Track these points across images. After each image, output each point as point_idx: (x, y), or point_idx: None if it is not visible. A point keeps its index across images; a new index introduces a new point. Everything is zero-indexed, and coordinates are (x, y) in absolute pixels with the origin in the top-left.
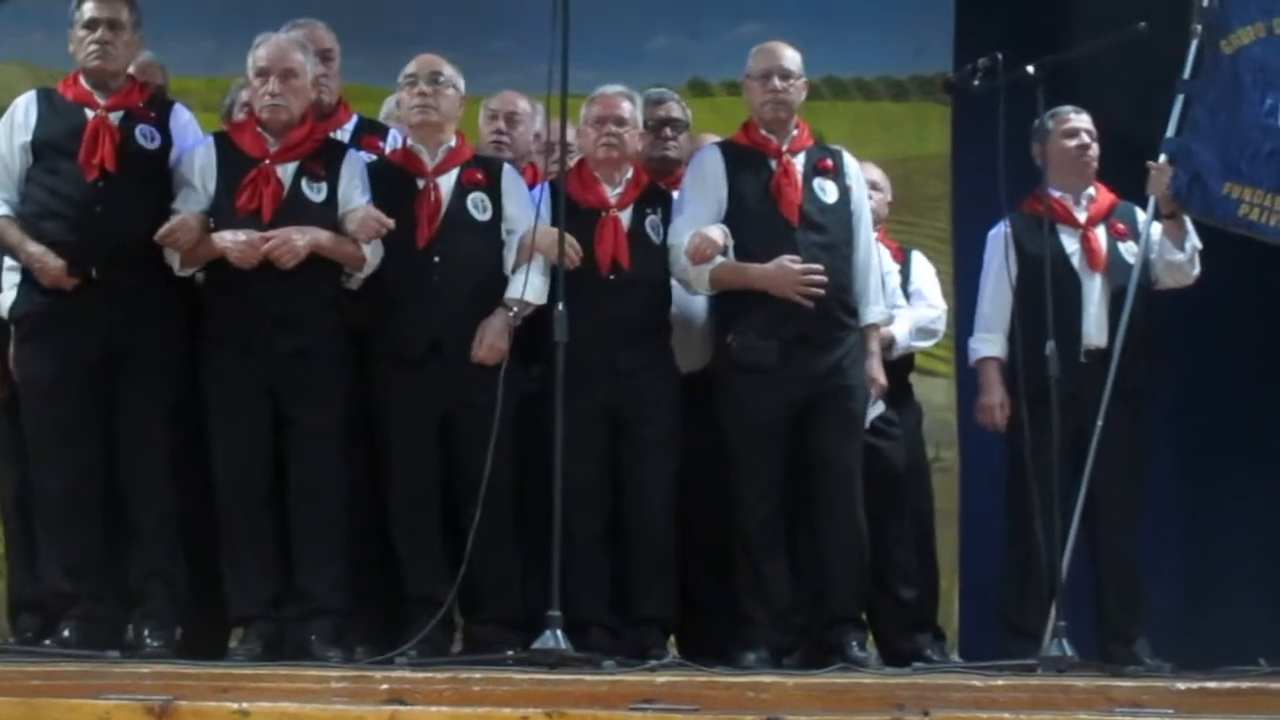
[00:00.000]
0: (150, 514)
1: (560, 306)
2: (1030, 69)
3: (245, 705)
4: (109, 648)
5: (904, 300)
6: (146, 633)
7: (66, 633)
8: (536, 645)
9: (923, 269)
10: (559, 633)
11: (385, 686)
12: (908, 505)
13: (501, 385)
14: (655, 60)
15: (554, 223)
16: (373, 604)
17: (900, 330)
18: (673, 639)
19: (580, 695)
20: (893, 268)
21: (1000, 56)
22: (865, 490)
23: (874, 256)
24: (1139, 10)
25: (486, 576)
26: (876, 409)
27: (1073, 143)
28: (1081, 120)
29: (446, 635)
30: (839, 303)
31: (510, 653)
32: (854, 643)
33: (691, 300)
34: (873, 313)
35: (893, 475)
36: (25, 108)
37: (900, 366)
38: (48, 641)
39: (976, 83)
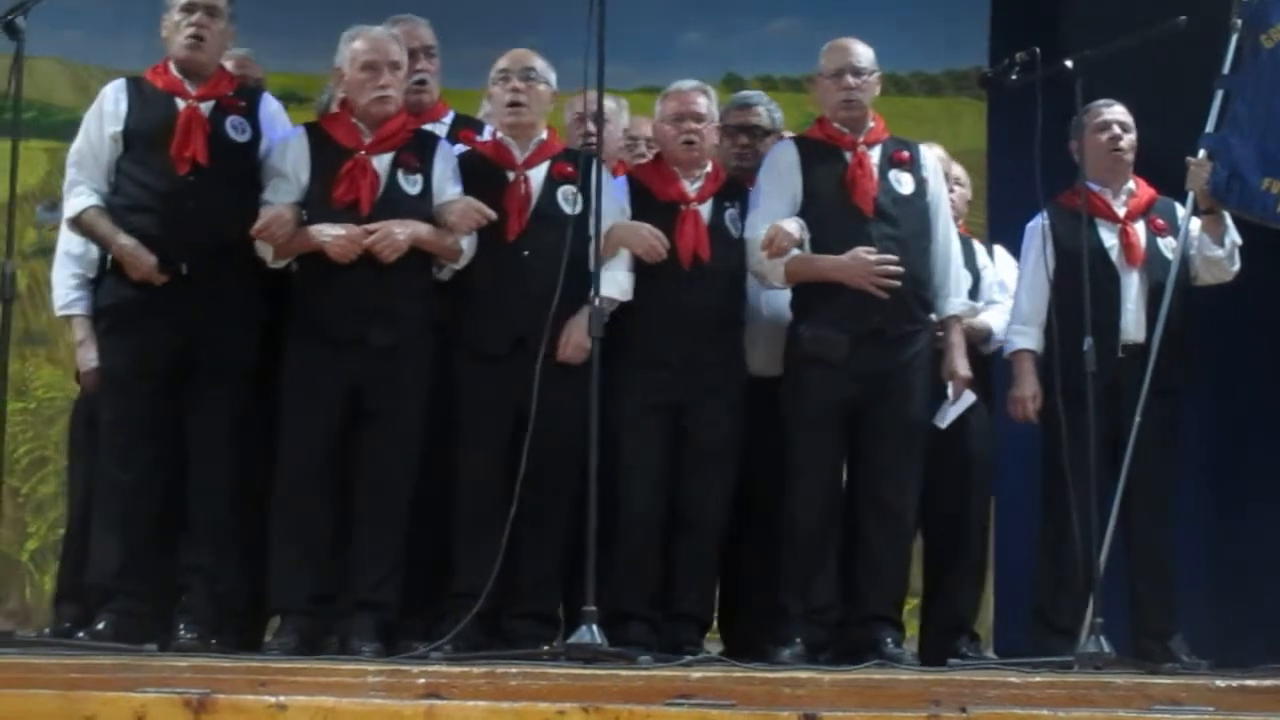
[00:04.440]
0: (208, 512)
1: (597, 301)
2: (1068, 63)
3: (282, 699)
4: (143, 642)
5: (1000, 295)
6: (182, 627)
7: (101, 625)
8: (573, 640)
9: (1005, 263)
10: (595, 628)
11: (422, 681)
12: (982, 500)
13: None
14: (689, 55)
15: (635, 216)
16: (423, 604)
17: (997, 322)
18: (718, 636)
19: (616, 690)
20: (988, 262)
21: (1038, 51)
22: (943, 483)
23: (954, 249)
24: (1178, 4)
25: (528, 572)
26: (966, 400)
27: (1105, 135)
28: (1114, 112)
29: (486, 631)
30: (914, 295)
31: (546, 647)
32: (889, 639)
33: (777, 302)
34: (953, 305)
35: (970, 469)
36: (114, 96)
37: (986, 360)
38: (81, 634)
39: (1014, 77)
